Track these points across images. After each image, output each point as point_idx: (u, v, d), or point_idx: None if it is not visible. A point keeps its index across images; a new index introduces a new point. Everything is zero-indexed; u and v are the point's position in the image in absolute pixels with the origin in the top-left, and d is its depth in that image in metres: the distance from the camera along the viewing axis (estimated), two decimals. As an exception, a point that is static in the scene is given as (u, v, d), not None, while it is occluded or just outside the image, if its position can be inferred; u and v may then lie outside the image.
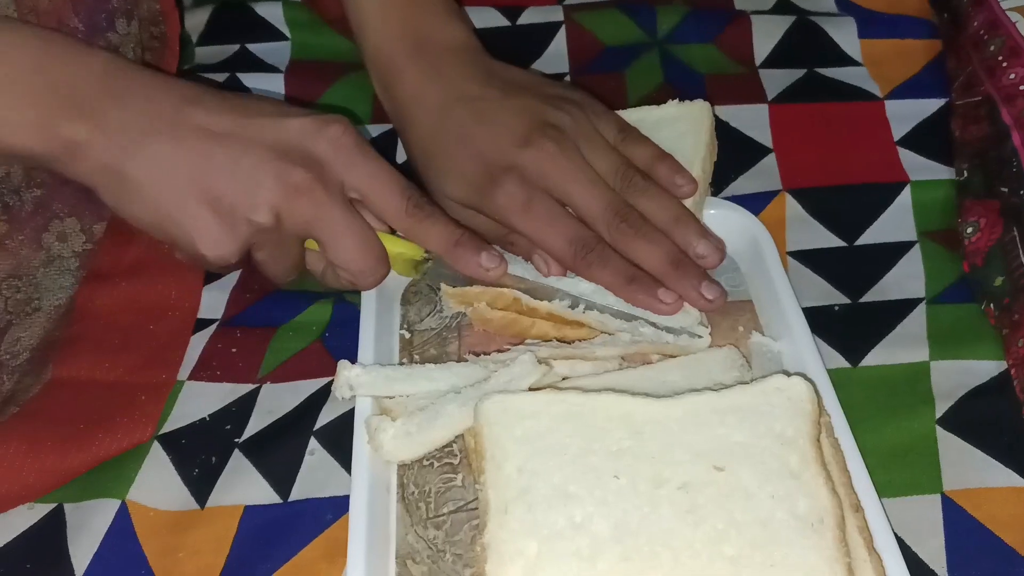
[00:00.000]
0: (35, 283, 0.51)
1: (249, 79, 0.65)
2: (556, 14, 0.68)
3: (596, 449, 0.41)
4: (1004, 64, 0.53)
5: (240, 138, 0.46)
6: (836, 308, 0.51)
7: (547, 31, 0.67)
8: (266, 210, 0.45)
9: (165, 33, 0.59)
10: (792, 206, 0.56)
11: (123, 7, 0.54)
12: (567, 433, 0.41)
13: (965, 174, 0.54)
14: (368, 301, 0.50)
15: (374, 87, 0.57)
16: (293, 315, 0.52)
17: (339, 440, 0.46)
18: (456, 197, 0.52)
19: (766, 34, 0.65)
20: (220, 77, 0.64)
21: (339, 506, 0.44)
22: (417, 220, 0.49)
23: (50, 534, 0.44)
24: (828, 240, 0.54)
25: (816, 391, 0.43)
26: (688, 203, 0.51)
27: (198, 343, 0.52)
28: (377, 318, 0.50)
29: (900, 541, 0.40)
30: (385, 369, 0.46)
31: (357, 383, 0.46)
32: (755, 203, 0.55)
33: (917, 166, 0.57)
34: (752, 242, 0.52)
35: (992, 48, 0.55)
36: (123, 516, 0.44)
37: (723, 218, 0.53)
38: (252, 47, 0.67)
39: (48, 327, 0.51)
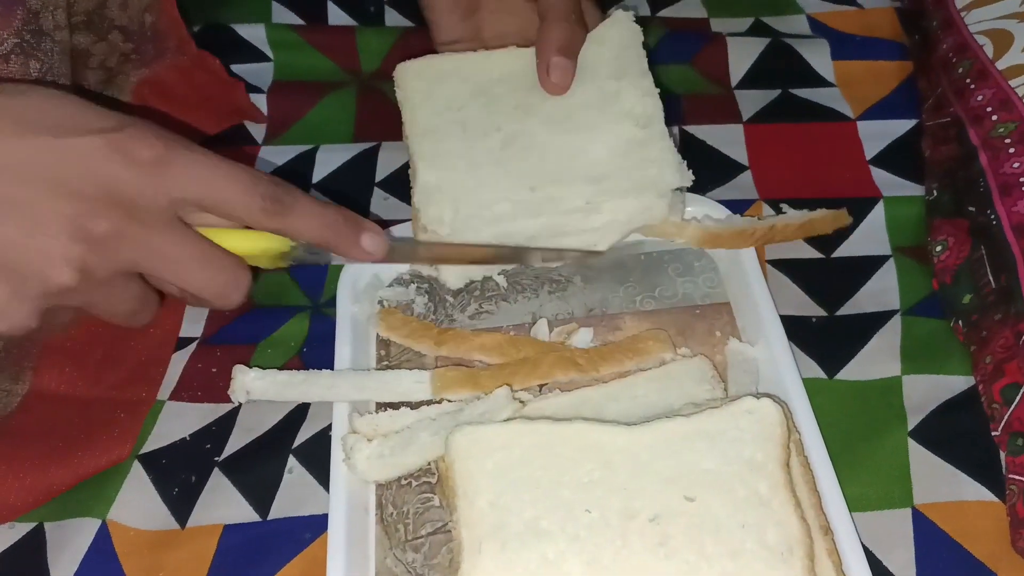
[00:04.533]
0: None
1: (231, 99, 0.65)
2: (536, 35, 0.68)
3: (567, 481, 0.41)
4: (972, 86, 0.54)
5: (7, 168, 0.36)
6: (813, 320, 0.51)
7: (527, 52, 0.68)
8: (65, 269, 0.36)
9: None
10: (769, 215, 0.56)
11: None
12: (538, 465, 0.41)
13: (935, 193, 0.55)
14: (344, 313, 0.50)
15: None
16: (271, 331, 0.53)
17: (317, 458, 0.46)
18: None
19: (742, 55, 0.66)
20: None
21: (318, 525, 0.44)
22: (281, 217, 0.40)
23: (30, 553, 0.44)
24: (805, 251, 0.55)
25: (786, 411, 0.43)
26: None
27: (179, 362, 0.52)
28: (353, 330, 0.50)
29: (870, 555, 0.41)
30: (281, 375, 0.47)
31: (253, 387, 0.46)
32: (733, 209, 0.55)
33: (889, 184, 0.58)
34: None
35: (960, 70, 0.56)
36: (103, 535, 0.44)
37: (702, 216, 0.53)
38: (235, 67, 0.68)
39: None
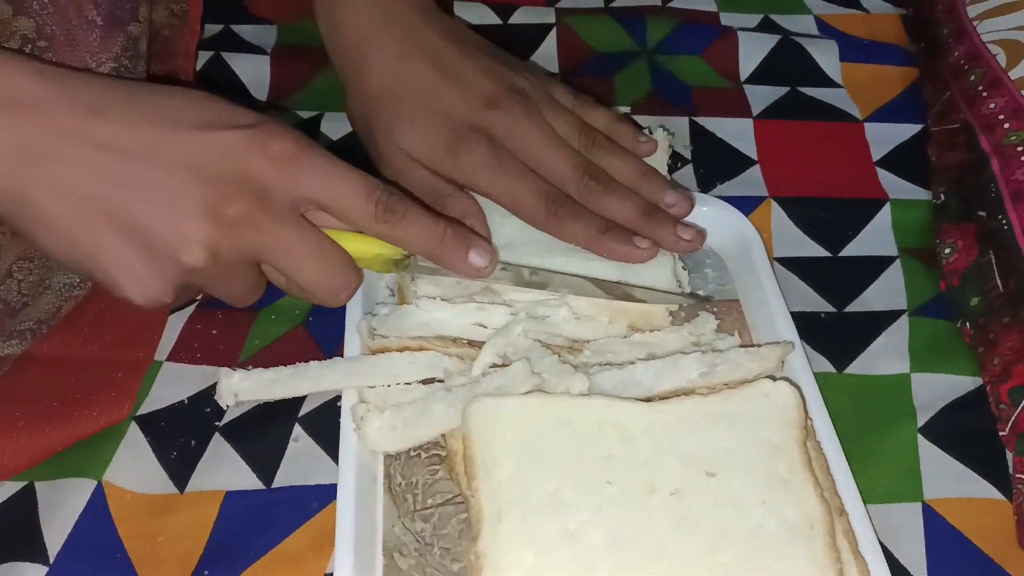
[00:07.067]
0: (47, 264, 0.48)
1: (234, 59, 0.63)
2: (548, 16, 0.68)
3: (587, 455, 0.41)
4: (984, 94, 0.55)
5: (157, 157, 0.39)
6: (822, 315, 0.52)
7: (538, 32, 0.67)
8: (198, 250, 0.39)
9: (187, 11, 0.56)
10: (778, 213, 0.57)
11: None
12: (557, 439, 0.41)
13: (942, 197, 0.56)
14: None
15: (321, 32, 0.54)
16: (275, 298, 0.51)
17: (324, 428, 0.45)
18: (416, 153, 0.50)
19: (752, 51, 0.67)
20: (204, 56, 0.63)
21: (325, 494, 0.43)
22: (391, 225, 0.43)
23: (22, 513, 0.42)
24: (813, 250, 0.55)
25: (801, 394, 0.44)
26: None
27: (176, 323, 0.50)
28: (364, 303, 0.49)
29: (882, 547, 0.41)
30: (267, 373, 0.46)
31: (240, 389, 0.45)
32: (742, 206, 0.55)
33: (895, 186, 0.58)
34: (740, 240, 0.53)
35: (972, 78, 0.57)
36: (99, 497, 0.42)
37: (711, 215, 0.54)
38: (237, 28, 0.66)
39: (57, 303, 0.49)
